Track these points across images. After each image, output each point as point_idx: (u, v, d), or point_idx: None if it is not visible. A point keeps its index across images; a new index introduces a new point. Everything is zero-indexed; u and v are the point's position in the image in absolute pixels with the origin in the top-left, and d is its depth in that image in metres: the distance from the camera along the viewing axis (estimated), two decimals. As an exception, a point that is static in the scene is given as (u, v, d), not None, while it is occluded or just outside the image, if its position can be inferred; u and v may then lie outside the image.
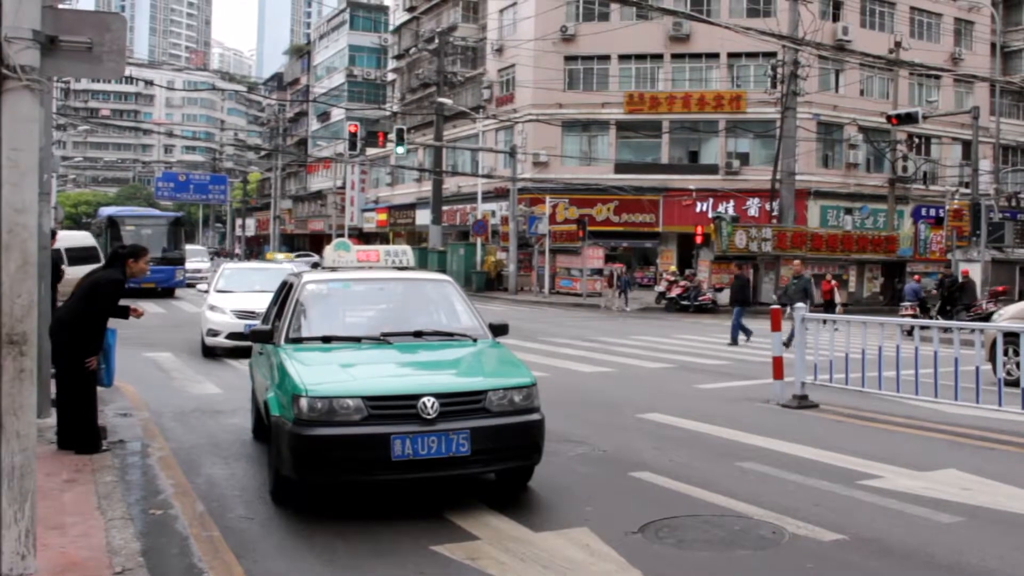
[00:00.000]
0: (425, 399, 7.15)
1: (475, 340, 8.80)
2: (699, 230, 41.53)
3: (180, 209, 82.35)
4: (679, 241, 49.88)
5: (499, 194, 52.21)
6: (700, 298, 36.24)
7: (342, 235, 67.42)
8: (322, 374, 7.52)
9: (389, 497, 7.93)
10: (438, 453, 7.10)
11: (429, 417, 7.10)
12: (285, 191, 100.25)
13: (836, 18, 50.66)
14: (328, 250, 10.35)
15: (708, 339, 24.12)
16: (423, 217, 61.03)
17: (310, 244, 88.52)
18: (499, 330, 9.14)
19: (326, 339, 8.50)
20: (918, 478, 8.65)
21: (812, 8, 39.14)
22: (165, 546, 6.49)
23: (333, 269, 9.97)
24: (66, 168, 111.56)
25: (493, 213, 52.66)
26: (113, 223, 39.58)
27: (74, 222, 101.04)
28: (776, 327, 13.29)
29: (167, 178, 73.95)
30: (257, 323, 14.18)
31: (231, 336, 17.99)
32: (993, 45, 50.62)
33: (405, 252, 10.64)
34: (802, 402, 12.77)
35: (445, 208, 56.84)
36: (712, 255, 38.95)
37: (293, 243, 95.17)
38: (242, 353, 16.39)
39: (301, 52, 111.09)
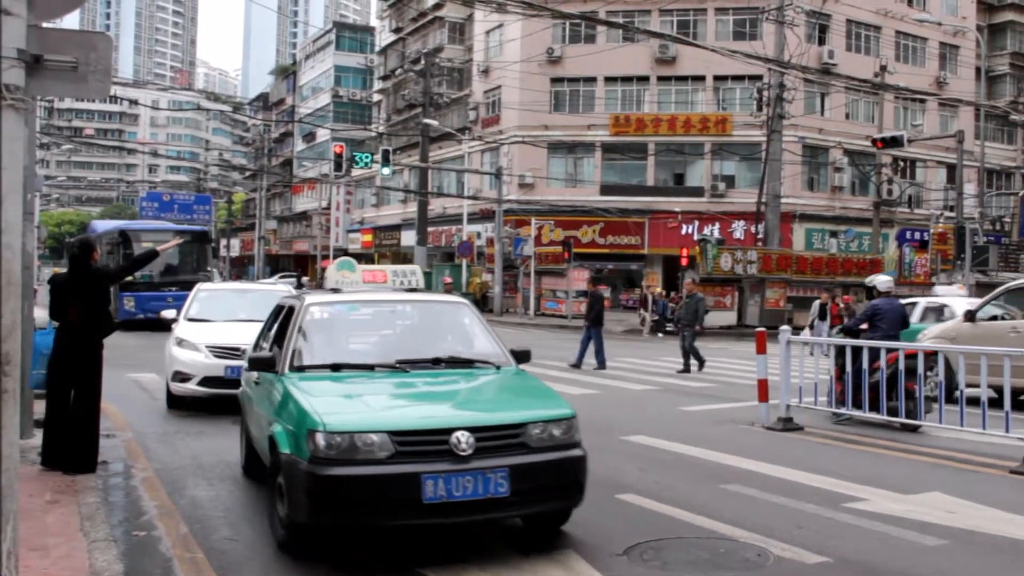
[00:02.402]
0: (459, 434, 6.43)
1: (498, 367, 8.06)
2: (684, 252, 41.63)
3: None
4: (664, 263, 49.98)
5: (485, 215, 52.26)
6: None
7: (327, 256, 67.30)
8: (339, 406, 6.89)
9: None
10: (474, 495, 6.38)
11: (464, 454, 6.38)
12: (270, 211, 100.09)
13: (822, 42, 50.93)
14: (331, 270, 9.67)
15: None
16: (408, 238, 61.00)
17: (295, 265, 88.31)
18: (522, 356, 8.37)
19: (335, 367, 7.71)
20: (903, 501, 8.63)
21: (798, 32, 39.33)
22: (148, 567, 6.47)
23: (336, 291, 9.29)
24: (50, 187, 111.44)
25: (479, 234, 52.69)
26: (126, 239, 32.96)
27: (57, 242, 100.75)
28: (761, 349, 13.28)
29: (151, 198, 73.73)
30: (241, 364, 13.10)
31: (206, 383, 13.74)
32: (978, 69, 50.94)
33: (414, 272, 9.96)
34: (787, 424, 12.74)
35: (431, 229, 56.80)
36: (697, 277, 39.01)
37: (278, 264, 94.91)
38: (220, 406, 13.52)
39: (287, 72, 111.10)
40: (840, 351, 13.00)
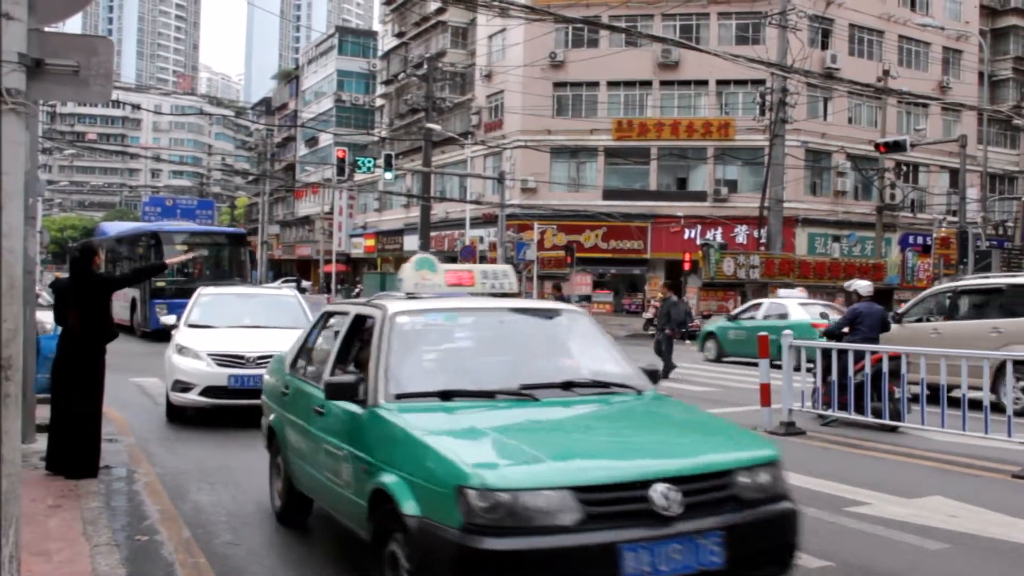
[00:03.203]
0: (660, 487, 4.96)
1: (639, 392, 6.62)
2: (687, 257, 41.65)
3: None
4: (667, 268, 49.93)
5: (487, 220, 52.24)
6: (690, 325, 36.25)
7: (329, 260, 67.32)
8: (490, 451, 5.33)
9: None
10: (685, 568, 4.96)
11: (669, 514, 4.94)
12: (273, 216, 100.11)
13: (825, 46, 50.96)
14: (407, 269, 7.89)
15: (695, 366, 24.11)
16: (411, 243, 60.98)
17: (297, 269, 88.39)
18: (654, 376, 7.03)
19: (445, 395, 6.09)
20: (905, 505, 8.64)
21: (801, 36, 39.32)
22: (151, 572, 6.46)
23: (412, 296, 7.50)
24: (52, 192, 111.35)
25: (481, 239, 52.66)
26: (159, 241, 29.97)
27: (60, 247, 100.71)
28: (764, 354, 13.28)
29: (154, 203, 73.55)
30: (247, 372, 12.91)
31: (208, 392, 12.97)
32: (981, 74, 50.83)
33: (507, 274, 8.64)
34: (789, 429, 12.74)
35: (433, 234, 56.77)
36: (700, 282, 39.01)
37: (280, 269, 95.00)
38: (224, 419, 13.08)
39: (289, 77, 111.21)
40: (825, 354, 13.19)
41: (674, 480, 5.02)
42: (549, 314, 7.73)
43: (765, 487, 5.40)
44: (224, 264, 31.50)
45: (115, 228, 39.95)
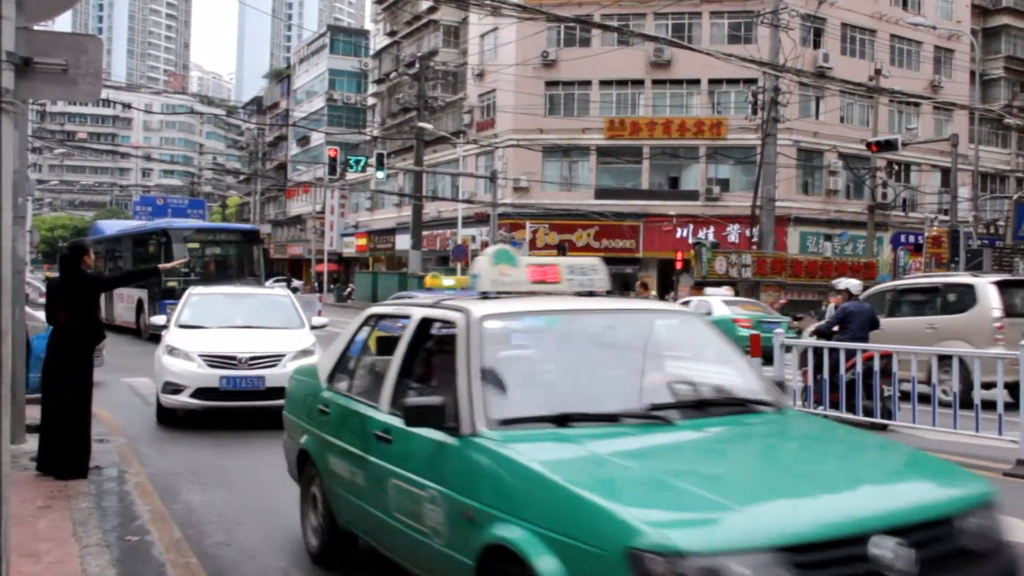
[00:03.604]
0: (883, 540, 3.88)
1: (779, 409, 5.55)
2: (679, 256, 41.63)
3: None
4: (659, 267, 49.95)
5: (479, 219, 52.22)
6: None
7: (321, 260, 67.18)
8: (658, 497, 4.12)
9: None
10: None
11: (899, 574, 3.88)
12: (264, 216, 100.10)
13: (817, 45, 50.99)
14: (482, 263, 6.27)
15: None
16: (403, 242, 60.91)
17: (289, 268, 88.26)
18: (780, 388, 6.04)
19: (560, 419, 4.88)
20: None
21: (793, 35, 39.31)
22: (141, 573, 6.41)
23: (485, 296, 6.05)
24: (42, 191, 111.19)
25: (473, 238, 52.61)
26: (170, 238, 28.08)
27: (50, 246, 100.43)
28: (756, 352, 13.28)
29: (145, 202, 73.36)
30: (239, 373, 12.69)
31: (200, 395, 12.68)
32: (972, 73, 50.93)
33: (595, 268, 6.64)
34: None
35: (425, 233, 56.80)
36: (692, 281, 39.00)
37: (272, 268, 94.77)
38: (215, 420, 12.90)
39: (281, 76, 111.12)
40: (816, 352, 13.40)
41: (899, 531, 3.93)
42: (659, 317, 6.70)
43: (991, 534, 4.31)
44: (237, 263, 29.65)
45: (112, 227, 38.71)
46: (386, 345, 6.97)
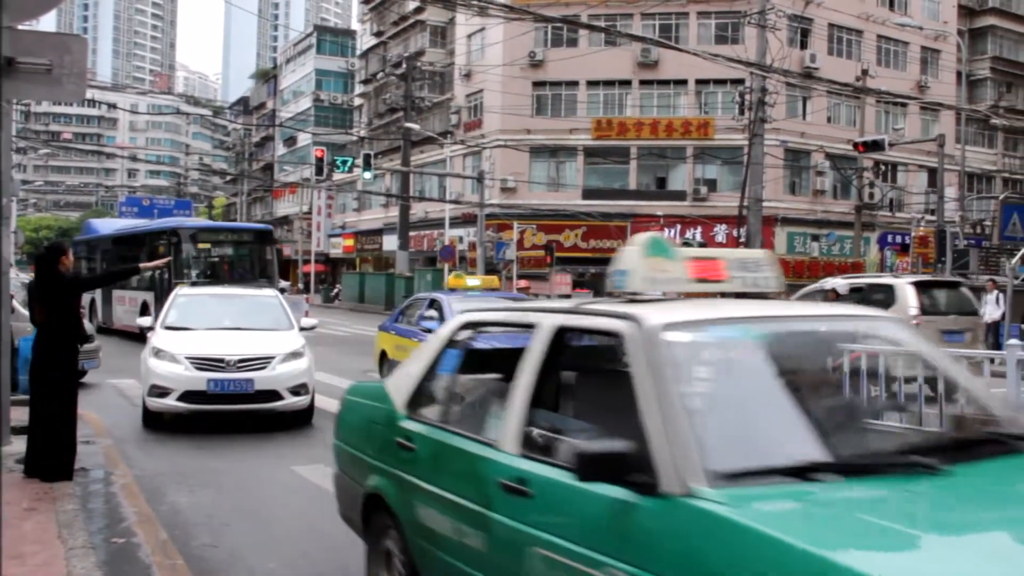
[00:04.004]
0: None
1: None
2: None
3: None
4: (646, 267, 49.86)
5: (467, 220, 52.15)
6: None
7: (308, 260, 67.03)
8: None
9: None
10: None
11: None
12: (251, 216, 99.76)
13: (804, 46, 51.04)
14: (632, 255, 4.71)
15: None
16: (390, 243, 60.81)
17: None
18: None
19: (800, 472, 3.43)
20: None
21: (780, 36, 39.27)
22: (127, 574, 6.36)
23: (634, 298, 4.63)
24: (27, 192, 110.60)
25: (460, 239, 52.59)
26: (180, 238, 26.62)
27: (35, 247, 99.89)
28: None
29: (131, 203, 73.29)
30: (228, 376, 12.51)
31: (187, 398, 12.43)
32: (959, 73, 51.02)
33: (765, 264, 5.12)
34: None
35: (412, 234, 56.71)
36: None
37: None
38: (203, 423, 12.76)
39: (267, 76, 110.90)
40: None
41: None
42: (861, 325, 5.41)
43: None
44: (249, 264, 28.13)
45: (107, 225, 37.61)
46: (477, 361, 6.00)
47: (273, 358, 12.80)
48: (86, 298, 31.09)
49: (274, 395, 12.70)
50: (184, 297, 14.99)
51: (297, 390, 12.90)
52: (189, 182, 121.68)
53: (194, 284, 22.60)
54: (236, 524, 7.99)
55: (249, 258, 28.51)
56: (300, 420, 13.12)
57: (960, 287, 19.80)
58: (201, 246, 27.30)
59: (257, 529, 7.88)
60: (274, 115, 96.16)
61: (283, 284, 48.89)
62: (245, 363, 12.61)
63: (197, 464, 10.56)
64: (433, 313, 15.78)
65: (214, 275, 26.69)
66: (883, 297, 17.38)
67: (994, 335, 29.51)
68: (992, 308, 28.13)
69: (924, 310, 17.18)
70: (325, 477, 9.90)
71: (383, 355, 17.34)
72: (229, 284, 23.75)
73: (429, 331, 11.90)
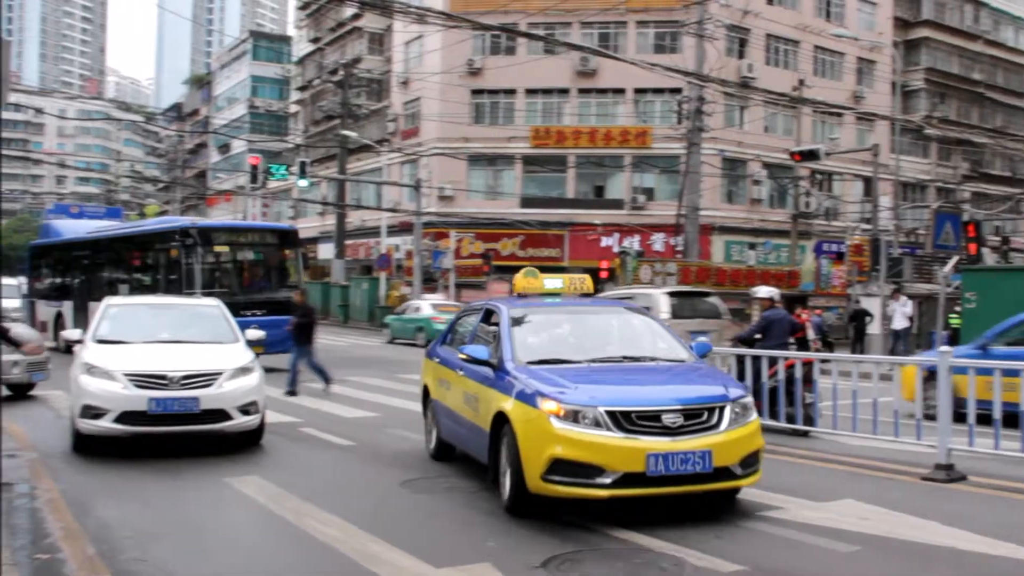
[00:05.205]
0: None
1: None
2: (605, 265, 41.50)
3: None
4: (585, 275, 49.82)
5: (403, 228, 51.81)
6: None
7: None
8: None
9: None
10: None
11: None
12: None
13: (741, 55, 51.32)
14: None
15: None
16: (326, 251, 60.29)
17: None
18: None
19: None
20: (817, 509, 8.72)
21: (718, 45, 39.41)
22: (53, 591, 6.10)
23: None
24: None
25: (397, 247, 52.25)
26: (190, 238, 22.47)
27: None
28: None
29: (59, 210, 71.41)
30: (171, 394, 11.22)
31: (126, 419, 11.13)
32: (893, 84, 51.52)
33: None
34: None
35: (348, 242, 56.23)
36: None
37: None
38: (143, 450, 11.52)
39: (201, 82, 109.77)
40: (738, 360, 13.49)
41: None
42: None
43: None
44: (274, 270, 24.96)
45: (73, 227, 32.38)
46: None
47: (220, 374, 11.61)
48: (50, 311, 29.87)
49: (222, 415, 11.48)
50: (116, 307, 13.64)
51: (247, 408, 11.69)
52: (120, 189, 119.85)
53: (208, 295, 19.40)
54: (166, 537, 7.77)
55: (274, 263, 25.03)
56: (249, 442, 12.12)
57: (708, 296, 23.90)
58: (217, 249, 23.77)
59: (187, 542, 7.68)
60: (208, 122, 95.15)
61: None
62: (190, 380, 11.38)
63: (126, 477, 10.21)
64: (483, 330, 10.73)
65: (232, 285, 23.76)
66: (647, 306, 18.00)
67: (904, 342, 30.05)
68: (899, 317, 28.68)
69: (675, 314, 21.27)
70: (259, 489, 9.76)
71: (425, 392, 12.10)
72: (245, 295, 22.58)
73: (476, 361, 9.37)
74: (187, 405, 11.24)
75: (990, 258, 43.78)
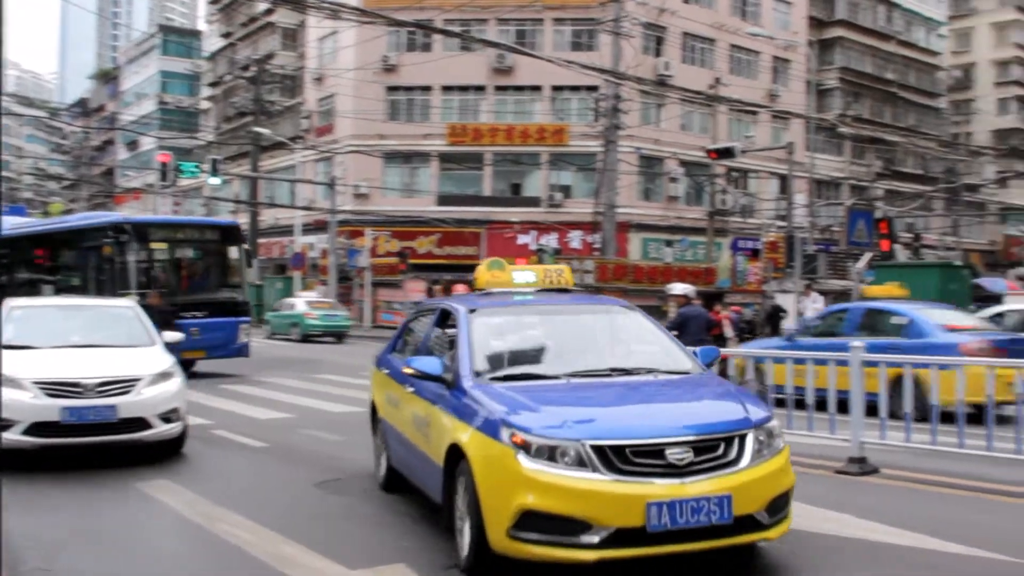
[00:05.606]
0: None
1: None
2: (522, 263, 41.23)
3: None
4: (502, 274, 49.56)
5: (318, 226, 51.02)
6: None
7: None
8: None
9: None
10: None
11: None
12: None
13: (658, 53, 51.38)
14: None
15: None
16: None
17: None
18: None
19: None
20: None
21: (634, 43, 39.38)
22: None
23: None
24: None
25: (312, 246, 51.47)
26: (125, 234, 20.84)
27: None
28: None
29: (-39, 208, 69.79)
30: (86, 403, 10.42)
31: (36, 431, 10.31)
32: (808, 83, 52.10)
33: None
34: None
35: (262, 241, 55.31)
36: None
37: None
38: (53, 459, 10.67)
39: (108, 77, 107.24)
40: None
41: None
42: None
43: None
44: (214, 268, 23.62)
45: (9, 223, 29.37)
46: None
47: (139, 380, 10.87)
48: None
49: (142, 423, 10.76)
50: (20, 310, 12.51)
51: (168, 416, 11.00)
52: (22, 187, 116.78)
53: (144, 296, 18.21)
54: (73, 546, 7.50)
55: (212, 261, 23.63)
56: (170, 450, 11.45)
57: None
58: (154, 246, 22.20)
59: (95, 550, 7.47)
60: (115, 118, 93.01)
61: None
62: (106, 387, 10.59)
63: (30, 482, 9.73)
64: (438, 336, 8.72)
65: (169, 283, 22.14)
66: None
67: None
68: (811, 314, 28.98)
69: None
70: (171, 494, 9.39)
71: (374, 408, 10.19)
72: (186, 295, 21.27)
73: (426, 377, 7.67)
74: (104, 414, 10.50)
75: (902, 254, 44.40)
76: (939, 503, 9.16)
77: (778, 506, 6.46)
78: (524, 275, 9.07)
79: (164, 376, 11.22)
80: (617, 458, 6.06)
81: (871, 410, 10.65)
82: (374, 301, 46.33)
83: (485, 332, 7.74)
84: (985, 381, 9.93)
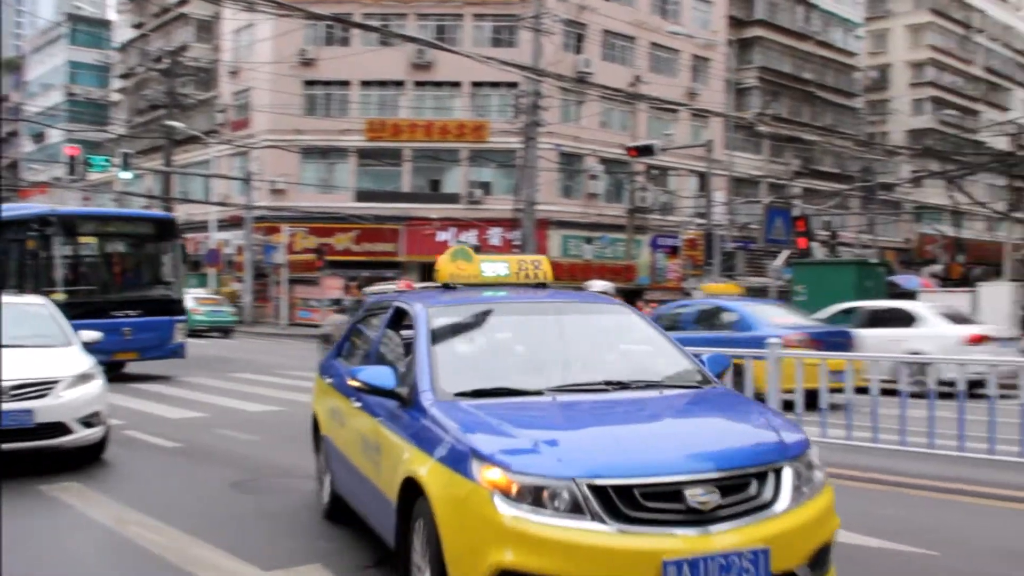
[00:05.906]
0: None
1: None
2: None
3: None
4: (421, 271, 49.03)
5: (234, 222, 50.17)
6: None
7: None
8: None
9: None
10: None
11: None
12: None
13: (579, 51, 51.28)
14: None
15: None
16: (152, 245, 57.93)
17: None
18: None
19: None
20: None
21: (555, 40, 39.18)
22: None
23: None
24: None
25: (227, 242, 50.60)
26: (51, 227, 20.06)
27: None
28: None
29: None
30: (8, 406, 9.60)
31: None
32: (727, 82, 52.42)
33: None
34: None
35: (176, 236, 54.13)
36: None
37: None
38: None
39: (12, 66, 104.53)
40: None
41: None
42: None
43: None
44: (147, 263, 22.45)
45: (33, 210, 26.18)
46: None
47: (57, 382, 10.20)
48: None
49: (61, 428, 10.10)
50: None
51: (89, 420, 10.36)
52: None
53: (74, 295, 18.16)
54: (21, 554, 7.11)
55: (146, 256, 22.48)
56: (90, 456, 10.79)
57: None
58: (83, 240, 21.19)
59: (39, 558, 7.19)
60: (19, 109, 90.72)
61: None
62: (22, 390, 9.89)
63: None
64: (392, 340, 7.32)
65: (100, 280, 21.17)
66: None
67: None
68: None
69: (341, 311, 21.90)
70: (79, 496, 8.99)
71: (315, 424, 8.76)
72: (117, 293, 20.41)
73: (376, 391, 6.19)
74: (19, 419, 9.78)
75: (819, 252, 44.91)
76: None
77: (820, 559, 5.09)
78: (495, 267, 7.51)
79: (84, 378, 10.58)
80: (623, 502, 4.67)
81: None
82: (291, 298, 45.66)
83: (449, 336, 6.40)
84: (795, 371, 11.23)
